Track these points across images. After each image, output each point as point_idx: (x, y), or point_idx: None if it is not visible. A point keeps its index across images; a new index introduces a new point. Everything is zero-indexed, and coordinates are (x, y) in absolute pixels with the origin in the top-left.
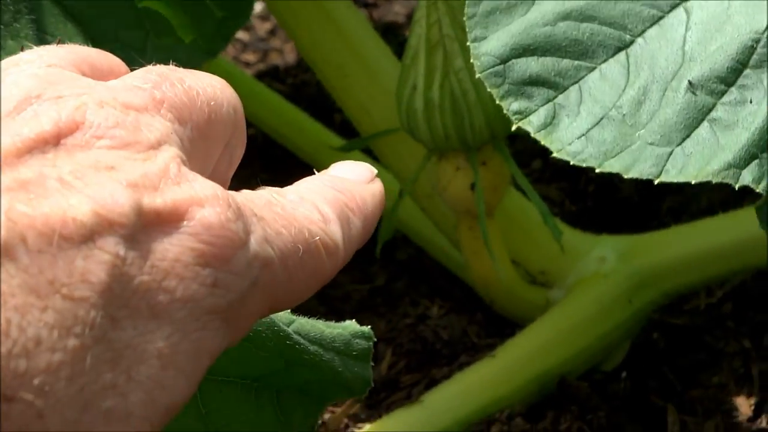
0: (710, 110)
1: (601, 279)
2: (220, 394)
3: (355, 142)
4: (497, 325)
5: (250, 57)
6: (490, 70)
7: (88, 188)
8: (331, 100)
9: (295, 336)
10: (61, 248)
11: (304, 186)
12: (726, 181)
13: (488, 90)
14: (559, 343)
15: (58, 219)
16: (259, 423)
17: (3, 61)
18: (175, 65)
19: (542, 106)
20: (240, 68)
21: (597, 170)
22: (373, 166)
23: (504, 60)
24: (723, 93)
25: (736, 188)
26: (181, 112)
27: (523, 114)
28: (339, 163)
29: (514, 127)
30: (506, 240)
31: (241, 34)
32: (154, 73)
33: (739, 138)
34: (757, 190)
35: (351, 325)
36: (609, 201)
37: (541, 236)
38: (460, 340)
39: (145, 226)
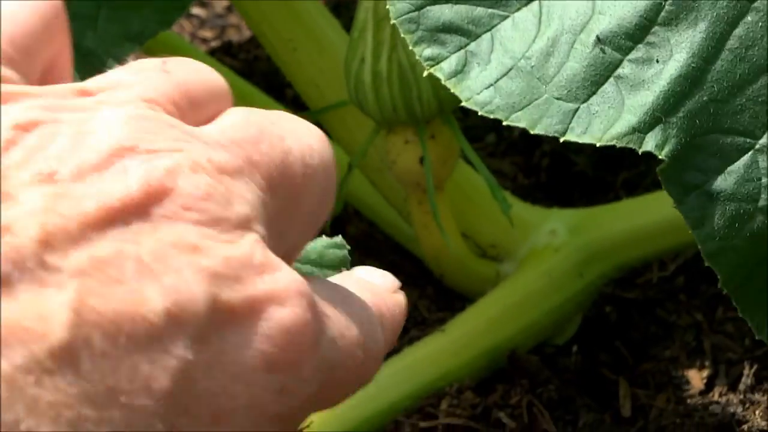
0: (617, 66)
1: (551, 252)
2: None
3: (305, 116)
4: (448, 299)
5: (207, 33)
6: (405, 16)
7: (165, 276)
8: (282, 75)
9: None
10: (127, 351)
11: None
12: (630, 145)
13: (402, 36)
14: (509, 317)
15: (129, 317)
16: None
17: (94, 80)
18: (128, 36)
19: (454, 53)
20: (195, 44)
21: (504, 123)
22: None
23: (418, 7)
24: (630, 49)
25: (639, 153)
26: (274, 180)
27: (435, 60)
28: (364, 268)
29: (425, 73)
30: (457, 213)
31: (198, 11)
32: (254, 127)
33: (645, 100)
34: (660, 156)
35: (321, 240)
36: (563, 175)
37: (491, 210)
38: (411, 314)
39: (218, 325)
